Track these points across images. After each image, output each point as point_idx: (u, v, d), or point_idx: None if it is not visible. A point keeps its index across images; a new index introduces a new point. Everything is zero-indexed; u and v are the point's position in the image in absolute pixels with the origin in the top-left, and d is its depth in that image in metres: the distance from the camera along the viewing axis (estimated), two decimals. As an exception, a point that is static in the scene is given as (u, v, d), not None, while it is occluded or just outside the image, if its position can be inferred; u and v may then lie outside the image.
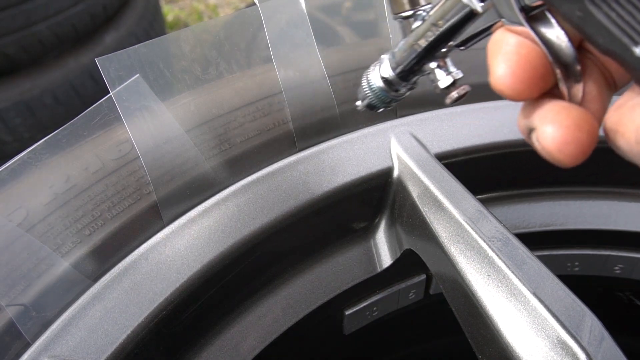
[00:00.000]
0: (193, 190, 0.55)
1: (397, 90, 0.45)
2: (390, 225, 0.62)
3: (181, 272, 0.49)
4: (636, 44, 0.24)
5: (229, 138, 0.58)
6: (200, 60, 0.60)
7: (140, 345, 0.47)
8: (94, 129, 0.54)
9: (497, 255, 0.46)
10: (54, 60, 1.58)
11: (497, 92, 0.31)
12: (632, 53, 0.25)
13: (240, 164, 0.58)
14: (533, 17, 0.30)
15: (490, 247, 0.47)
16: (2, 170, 0.49)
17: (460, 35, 0.37)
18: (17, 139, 1.52)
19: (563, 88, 0.31)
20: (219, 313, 0.56)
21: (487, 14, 0.34)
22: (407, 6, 0.40)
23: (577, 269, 0.69)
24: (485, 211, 0.50)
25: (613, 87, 0.32)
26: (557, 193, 0.67)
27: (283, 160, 0.58)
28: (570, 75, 0.30)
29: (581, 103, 0.31)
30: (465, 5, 0.34)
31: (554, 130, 0.29)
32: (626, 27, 0.24)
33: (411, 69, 0.42)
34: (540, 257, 0.46)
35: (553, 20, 0.30)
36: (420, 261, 0.56)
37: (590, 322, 0.41)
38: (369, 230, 0.64)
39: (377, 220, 0.63)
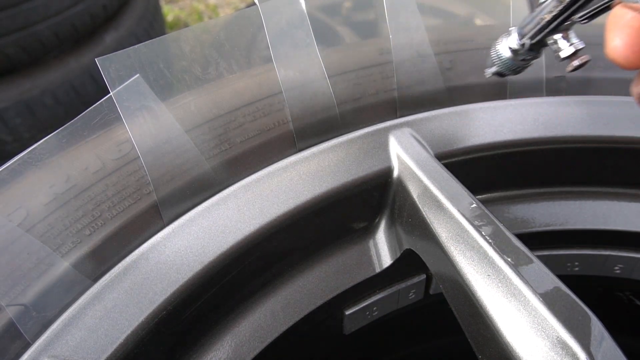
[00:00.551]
0: (193, 190, 0.55)
1: (523, 59, 0.50)
2: (390, 225, 0.62)
3: (181, 272, 0.49)
4: None
5: (229, 138, 0.58)
6: (200, 60, 0.60)
7: (140, 345, 0.47)
8: (94, 129, 0.54)
9: (497, 255, 0.46)
10: (54, 60, 1.58)
11: (611, 61, 0.35)
12: None
13: (240, 164, 0.58)
14: None
15: (490, 247, 0.47)
16: (2, 170, 0.49)
17: (582, 10, 0.42)
18: (17, 139, 1.52)
19: None
20: (219, 313, 0.56)
21: None
22: None
23: (577, 269, 0.69)
24: (485, 211, 0.50)
25: None
26: (557, 193, 0.67)
27: (283, 160, 0.58)
28: None
29: None
30: None
31: None
32: None
33: (537, 40, 0.47)
34: (540, 257, 0.46)
35: None
36: (420, 261, 0.56)
37: (590, 322, 0.41)
38: (369, 230, 0.64)
39: (377, 220, 0.63)
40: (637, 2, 0.34)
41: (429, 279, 0.67)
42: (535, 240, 0.65)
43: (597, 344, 0.40)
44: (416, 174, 0.55)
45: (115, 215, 0.51)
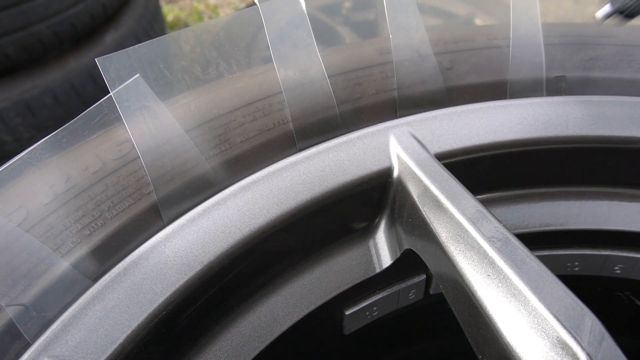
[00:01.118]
0: (193, 190, 0.55)
1: None
2: (390, 225, 0.62)
3: (181, 272, 0.49)
4: None
5: (229, 138, 0.58)
6: (200, 60, 0.60)
7: (140, 345, 0.47)
8: (94, 129, 0.54)
9: (497, 255, 0.46)
10: (54, 60, 1.58)
11: None
12: None
13: (240, 164, 0.58)
14: None
15: (490, 247, 0.47)
16: (2, 170, 0.49)
17: None
18: (17, 139, 1.52)
19: None
20: (219, 313, 0.56)
21: None
22: None
23: (577, 269, 0.69)
24: (485, 211, 0.50)
25: None
26: (557, 193, 0.67)
27: (283, 160, 0.58)
28: None
29: None
30: None
31: None
32: None
33: None
34: (540, 257, 0.46)
35: None
36: (420, 261, 0.56)
37: (590, 322, 0.41)
38: (369, 230, 0.64)
39: (377, 220, 0.63)
40: None
41: (429, 279, 0.67)
42: (535, 240, 0.65)
43: (597, 344, 0.40)
44: (416, 174, 0.55)
45: (115, 215, 0.51)
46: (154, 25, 1.86)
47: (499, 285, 0.45)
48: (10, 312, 0.45)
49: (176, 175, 0.54)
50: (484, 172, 0.63)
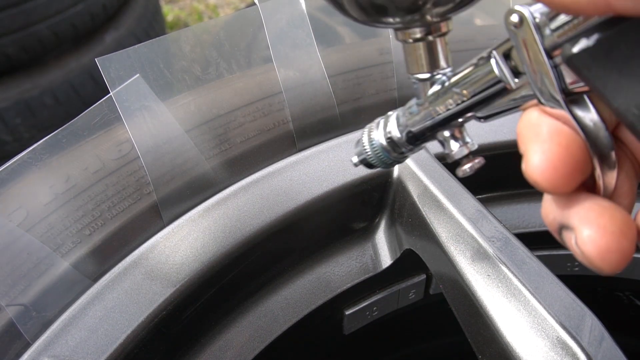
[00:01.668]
0: (193, 190, 0.55)
1: (401, 152, 0.41)
2: (390, 225, 0.62)
3: (181, 272, 0.49)
4: None
5: (229, 138, 0.58)
6: (200, 60, 0.60)
7: (140, 345, 0.47)
8: (94, 129, 0.54)
9: (497, 255, 0.46)
10: (54, 60, 1.58)
11: (531, 183, 0.28)
12: None
13: (240, 164, 0.58)
14: (571, 100, 0.27)
15: (490, 247, 0.47)
16: (2, 170, 0.49)
17: (483, 108, 0.33)
18: (17, 139, 1.52)
19: (599, 181, 0.28)
20: (219, 313, 0.56)
21: (519, 90, 0.29)
22: (426, 68, 0.36)
23: (577, 269, 0.69)
24: (485, 211, 0.50)
25: None
26: (557, 193, 0.67)
27: (283, 160, 0.58)
28: (605, 166, 0.27)
29: (612, 197, 0.28)
30: (496, 79, 0.30)
31: (597, 237, 0.26)
32: None
33: (422, 134, 0.38)
34: (540, 257, 0.46)
35: (590, 105, 0.27)
36: (420, 261, 0.56)
37: (590, 322, 0.41)
38: (369, 230, 0.64)
39: (377, 220, 0.63)
40: (560, 107, 0.26)
41: (429, 279, 0.67)
42: (535, 240, 0.65)
43: (597, 344, 0.40)
44: (416, 174, 0.55)
45: (115, 215, 0.51)
46: (154, 25, 1.86)
47: (499, 285, 0.45)
48: (10, 312, 0.45)
49: (176, 175, 0.54)
50: (484, 172, 0.63)
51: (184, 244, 0.51)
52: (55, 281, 0.47)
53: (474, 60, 0.32)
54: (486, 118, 0.34)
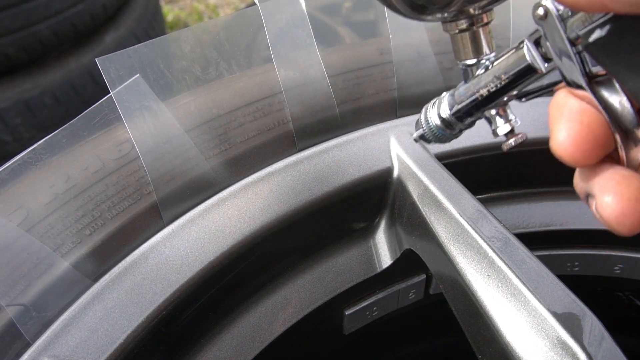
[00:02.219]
0: (193, 190, 0.55)
1: (452, 129, 0.46)
2: (390, 225, 0.62)
3: (181, 272, 0.49)
4: None
5: (229, 138, 0.58)
6: (200, 60, 0.60)
7: (140, 345, 0.47)
8: (94, 129, 0.54)
9: (497, 255, 0.46)
10: (54, 60, 1.58)
11: (556, 157, 0.32)
12: None
13: (240, 164, 0.58)
14: (597, 81, 0.30)
15: (490, 247, 0.47)
16: (2, 170, 0.49)
17: (521, 89, 0.38)
18: (17, 139, 1.52)
19: (622, 153, 0.31)
20: (219, 313, 0.56)
21: (550, 73, 0.35)
22: (472, 54, 0.41)
23: (577, 269, 0.69)
24: (485, 211, 0.50)
25: None
26: (557, 193, 0.67)
27: (283, 160, 0.58)
28: (630, 141, 0.30)
29: (638, 169, 0.31)
30: (529, 64, 0.35)
31: (614, 202, 0.29)
32: None
33: (469, 113, 0.43)
34: (540, 257, 0.46)
35: (617, 86, 0.30)
36: (420, 261, 0.56)
37: (590, 322, 0.41)
38: (369, 230, 0.64)
39: (377, 220, 0.63)
40: (584, 89, 0.30)
41: (429, 279, 0.67)
42: (535, 240, 0.65)
43: (597, 344, 0.40)
44: (416, 174, 0.55)
45: (115, 215, 0.51)
46: (154, 25, 1.86)
47: (499, 285, 0.45)
48: (10, 312, 0.45)
49: (176, 175, 0.54)
50: (484, 172, 0.63)
51: (184, 244, 0.51)
52: (55, 281, 0.47)
53: (512, 47, 0.37)
54: (524, 97, 0.40)
